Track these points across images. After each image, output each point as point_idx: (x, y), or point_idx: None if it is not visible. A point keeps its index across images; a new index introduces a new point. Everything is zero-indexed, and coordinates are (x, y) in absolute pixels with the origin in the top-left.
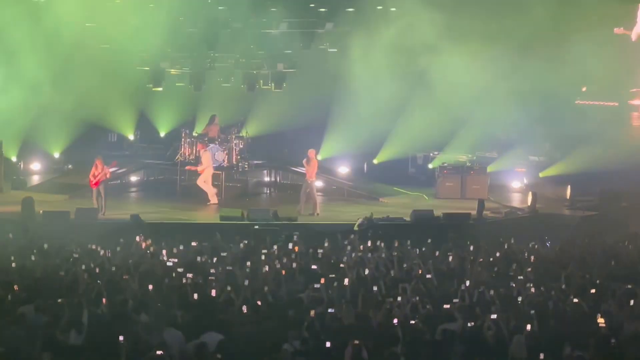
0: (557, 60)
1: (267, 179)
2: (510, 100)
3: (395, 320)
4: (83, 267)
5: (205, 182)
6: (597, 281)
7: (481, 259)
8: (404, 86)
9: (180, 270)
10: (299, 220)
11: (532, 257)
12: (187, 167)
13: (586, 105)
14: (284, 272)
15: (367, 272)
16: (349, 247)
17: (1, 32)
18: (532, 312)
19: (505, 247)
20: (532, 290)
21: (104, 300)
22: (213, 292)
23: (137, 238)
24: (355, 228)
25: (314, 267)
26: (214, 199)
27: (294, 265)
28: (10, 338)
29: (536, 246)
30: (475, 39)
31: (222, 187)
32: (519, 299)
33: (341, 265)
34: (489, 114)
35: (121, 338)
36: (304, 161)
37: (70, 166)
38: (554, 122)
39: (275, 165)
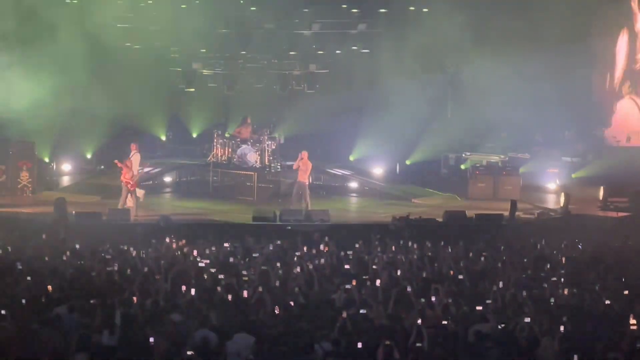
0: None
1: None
2: (543, 102)
3: (419, 321)
4: (115, 267)
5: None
6: (630, 283)
7: (513, 260)
8: (436, 87)
9: (212, 271)
10: (331, 221)
11: (565, 259)
12: (115, 161)
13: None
14: (315, 273)
15: (399, 272)
16: (379, 248)
17: (35, 34)
18: (565, 313)
19: (538, 248)
20: (565, 292)
21: (135, 300)
22: (245, 293)
23: (167, 239)
24: (391, 227)
25: (346, 266)
26: (123, 203)
27: (326, 266)
28: (46, 338)
29: (569, 247)
30: (507, 40)
31: (254, 188)
32: (552, 300)
33: (373, 266)
34: (522, 115)
35: (152, 340)
36: (298, 161)
37: (102, 167)
38: (586, 123)
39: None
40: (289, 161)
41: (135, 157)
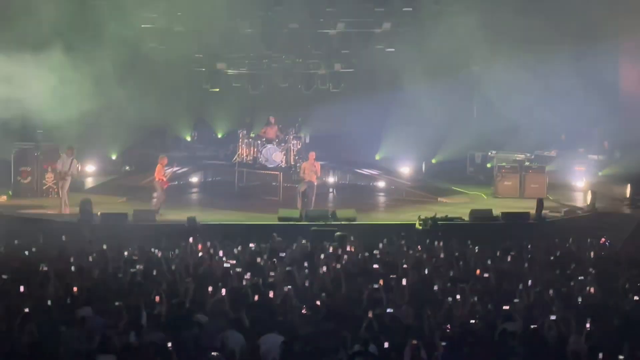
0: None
1: (325, 178)
2: (570, 99)
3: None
4: (141, 269)
5: (61, 187)
6: None
7: (540, 259)
8: (461, 85)
9: (239, 271)
10: (357, 221)
11: (592, 257)
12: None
13: None
14: (342, 273)
15: (426, 271)
16: (406, 247)
17: (58, 32)
18: (592, 312)
19: (565, 246)
20: (592, 290)
21: (162, 302)
22: (271, 294)
23: (191, 239)
24: (418, 227)
25: (375, 266)
26: (65, 209)
27: (352, 265)
28: (71, 339)
29: (596, 246)
30: (532, 36)
31: (280, 188)
32: (579, 299)
33: (402, 265)
34: (549, 113)
35: (169, 344)
36: (307, 164)
37: (128, 167)
38: (614, 120)
39: (334, 166)
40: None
41: (65, 161)
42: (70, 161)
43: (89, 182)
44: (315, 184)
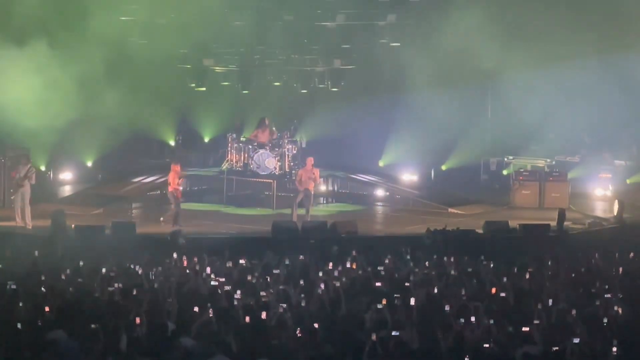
0: None
1: (323, 187)
2: (594, 99)
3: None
4: (120, 287)
5: (19, 198)
6: None
7: (562, 276)
8: (474, 84)
9: (228, 289)
10: (359, 233)
11: (619, 273)
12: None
13: None
14: (342, 291)
15: (435, 290)
16: (412, 263)
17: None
18: (619, 334)
19: (590, 262)
20: (620, 310)
21: (143, 324)
22: (264, 315)
23: (175, 254)
24: (426, 240)
25: (378, 284)
26: (19, 221)
27: (355, 283)
28: None
29: (623, 261)
30: (552, 32)
31: (273, 197)
32: (605, 320)
33: (407, 283)
34: (571, 114)
35: None
36: (303, 170)
37: (100, 176)
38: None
39: (333, 173)
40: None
41: (21, 169)
42: (27, 169)
43: (65, 191)
44: (313, 192)
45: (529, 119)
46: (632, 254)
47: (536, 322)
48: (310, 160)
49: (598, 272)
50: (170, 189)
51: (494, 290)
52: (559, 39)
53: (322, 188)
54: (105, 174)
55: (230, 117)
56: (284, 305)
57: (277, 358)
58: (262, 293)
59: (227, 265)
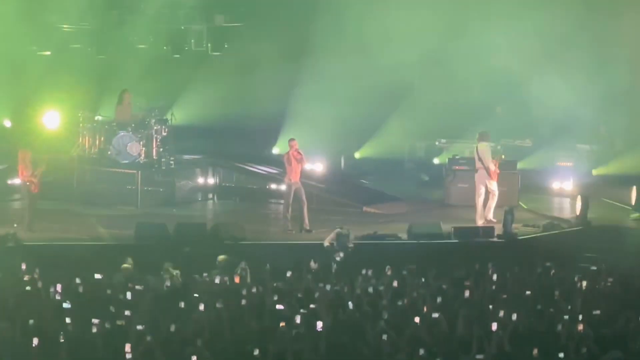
0: None
1: (202, 180)
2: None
3: None
4: None
5: None
6: None
7: (510, 292)
8: (396, 47)
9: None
10: (248, 240)
11: (583, 286)
12: None
13: None
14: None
15: (346, 310)
16: (309, 276)
17: None
18: None
19: (546, 273)
20: (581, 328)
21: None
22: (128, 347)
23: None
24: (325, 244)
25: (279, 307)
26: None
27: (243, 303)
28: None
29: (587, 270)
30: None
31: (138, 192)
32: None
33: (311, 305)
34: (520, 82)
35: None
36: (285, 156)
37: None
38: (617, 99)
39: (215, 162)
40: (186, 154)
41: None
42: None
43: None
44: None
45: (467, 92)
46: (598, 261)
47: (479, 357)
48: (294, 143)
49: (557, 286)
50: (21, 179)
51: (425, 309)
52: None
53: (200, 181)
54: None
55: (81, 89)
56: (152, 333)
57: None
58: (126, 312)
59: (77, 281)
